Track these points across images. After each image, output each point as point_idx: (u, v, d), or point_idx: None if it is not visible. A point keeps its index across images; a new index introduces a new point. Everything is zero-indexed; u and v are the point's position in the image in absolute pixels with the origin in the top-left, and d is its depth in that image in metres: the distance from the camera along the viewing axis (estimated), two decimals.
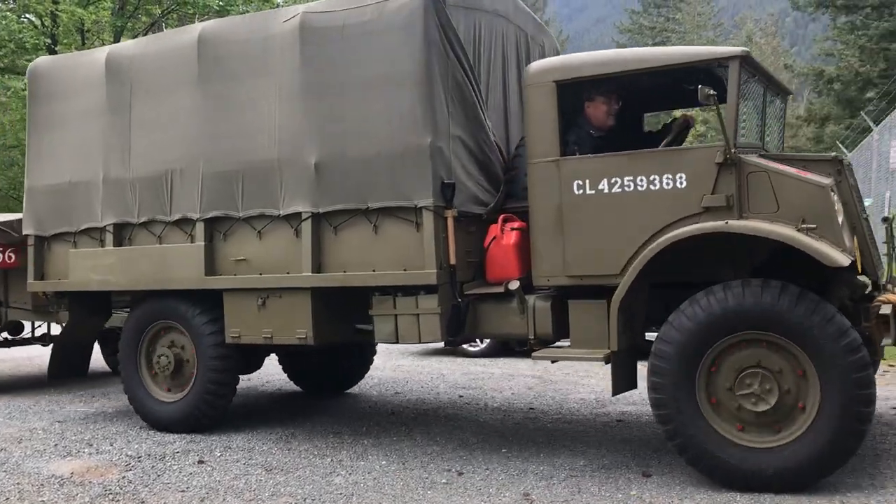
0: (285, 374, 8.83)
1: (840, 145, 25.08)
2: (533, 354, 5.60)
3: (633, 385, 5.59)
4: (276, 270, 6.19)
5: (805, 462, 4.61)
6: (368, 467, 5.62)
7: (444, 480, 5.26)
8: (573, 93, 5.59)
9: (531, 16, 7.25)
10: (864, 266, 5.03)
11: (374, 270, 5.81)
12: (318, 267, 6.01)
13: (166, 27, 25.78)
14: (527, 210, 5.65)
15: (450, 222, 5.56)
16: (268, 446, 6.29)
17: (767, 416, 4.73)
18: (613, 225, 5.24)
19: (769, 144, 5.83)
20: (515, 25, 6.78)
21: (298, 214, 6.07)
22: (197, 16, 25.15)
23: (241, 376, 9.41)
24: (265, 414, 7.63)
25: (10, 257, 8.70)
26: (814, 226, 4.71)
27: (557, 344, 5.81)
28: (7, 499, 5.16)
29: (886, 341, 5.03)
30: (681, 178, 5.08)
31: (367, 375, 8.75)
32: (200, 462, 5.88)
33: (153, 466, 5.80)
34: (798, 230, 4.72)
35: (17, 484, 5.47)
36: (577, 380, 9.00)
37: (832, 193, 4.82)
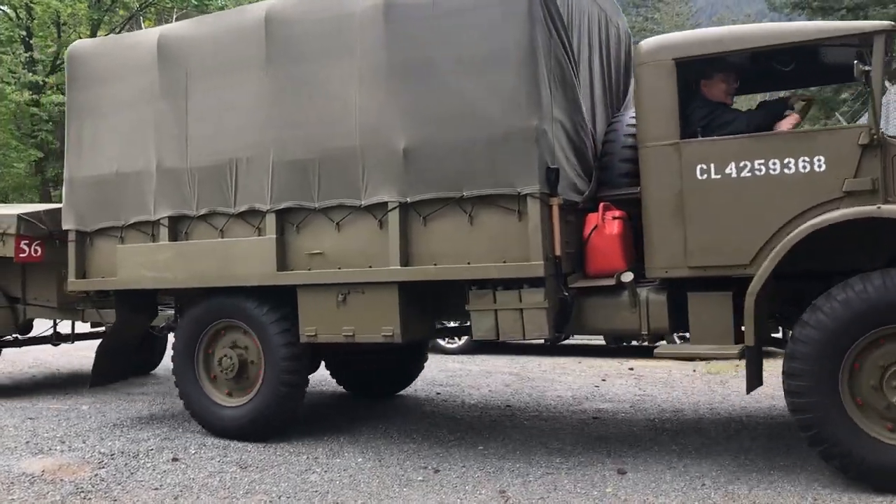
0: (333, 378, 8.33)
1: None
2: (656, 352, 5.34)
3: (761, 382, 5.31)
4: (357, 264, 5.77)
5: None
6: (344, 465, 5.59)
7: (420, 478, 5.24)
8: (691, 72, 5.31)
9: None
10: None
11: (468, 263, 5.43)
12: (405, 260, 5.62)
13: (144, 22, 25.59)
14: (623, 198, 5.46)
15: (555, 210, 5.21)
16: (243, 443, 6.23)
17: None
18: (742, 212, 4.92)
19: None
20: (598, 5, 6.47)
21: (383, 204, 5.66)
22: (175, 10, 24.97)
23: None
24: None
25: (36, 251, 8.04)
26: None
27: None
28: None
29: None
30: (819, 160, 4.78)
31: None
32: (175, 459, 5.83)
33: (126, 464, 5.74)
34: None
35: None
36: (554, 377, 9.02)
37: None
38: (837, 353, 4.57)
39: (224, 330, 6.47)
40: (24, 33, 23.10)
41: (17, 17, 23.85)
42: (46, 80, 23.52)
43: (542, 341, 6.93)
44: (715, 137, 5.14)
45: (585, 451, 5.71)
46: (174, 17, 25.07)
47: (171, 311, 7.39)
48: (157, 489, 5.16)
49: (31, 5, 22.72)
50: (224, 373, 6.41)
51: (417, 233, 5.60)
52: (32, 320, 8.82)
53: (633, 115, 5.98)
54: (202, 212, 6.39)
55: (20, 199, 24.46)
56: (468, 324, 5.69)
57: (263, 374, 6.21)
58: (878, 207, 4.59)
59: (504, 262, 5.30)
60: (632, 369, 9.53)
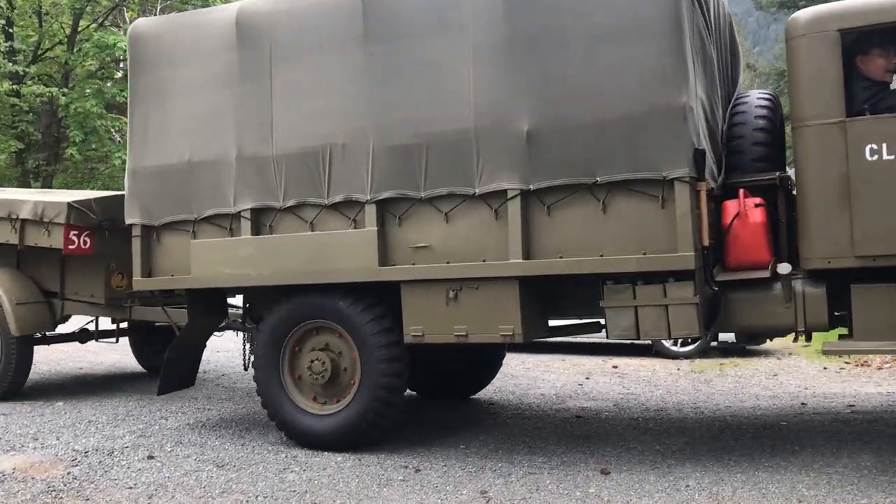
0: None
1: None
2: (824, 349, 4.99)
3: None
4: (469, 258, 5.32)
5: None
6: (323, 464, 5.50)
7: (400, 477, 5.16)
8: (852, 45, 4.95)
9: None
10: None
11: (601, 255, 4.98)
12: (527, 252, 5.17)
13: (127, 12, 25.31)
14: (756, 185, 5.17)
15: (703, 196, 4.81)
16: (220, 441, 6.13)
17: None
18: None
19: None
20: None
21: (501, 192, 5.20)
22: (159, 1, 24.71)
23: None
24: (219, 407, 7.46)
25: (85, 242, 7.37)
26: None
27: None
28: None
29: None
30: None
31: None
32: (150, 457, 5.71)
33: (101, 462, 5.62)
34: None
35: None
36: (537, 375, 8.96)
37: None
38: None
39: (313, 331, 5.93)
40: (3, 22, 22.79)
41: None
42: (27, 70, 23.22)
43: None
44: (886, 115, 4.75)
45: (569, 451, 5.64)
46: (158, 8, 24.83)
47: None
48: (131, 488, 5.05)
49: None
50: (314, 378, 5.85)
51: (540, 223, 5.16)
52: (68, 317, 8.22)
53: (762, 95, 5.74)
54: (289, 203, 5.87)
55: None
56: (579, 321, 5.36)
57: (360, 379, 5.69)
58: None
59: (643, 253, 4.87)
60: (615, 367, 9.49)
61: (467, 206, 5.35)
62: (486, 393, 7.87)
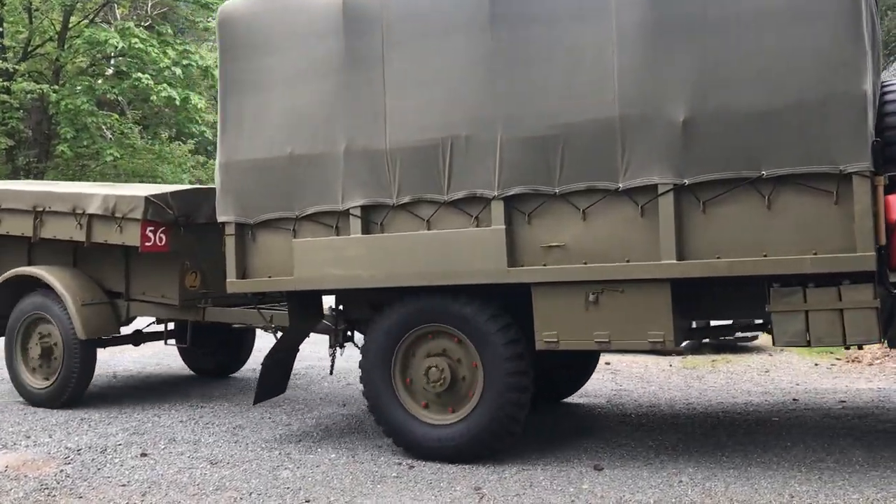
0: None
1: None
2: None
3: None
4: (609, 258, 4.94)
5: None
6: (317, 461, 5.50)
7: (394, 474, 5.16)
8: None
9: None
10: None
11: (765, 255, 4.61)
12: (680, 253, 4.80)
13: (118, 9, 25.19)
14: None
15: (880, 191, 4.44)
16: (214, 439, 6.13)
17: None
18: None
19: None
20: None
21: (651, 187, 4.82)
22: None
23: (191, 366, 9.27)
24: (213, 405, 7.45)
25: (161, 239, 6.95)
26: None
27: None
28: None
29: None
30: None
31: (314, 366, 8.57)
32: (143, 455, 5.70)
33: (93, 459, 5.61)
34: None
35: None
36: None
37: None
38: None
39: (430, 335, 5.57)
40: None
41: None
42: (17, 67, 23.10)
43: None
44: None
45: (562, 447, 5.66)
46: (149, 5, 24.72)
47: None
48: (124, 485, 5.04)
49: None
50: (431, 385, 5.50)
51: (694, 220, 4.78)
52: (133, 318, 7.66)
53: None
54: (404, 200, 5.50)
55: None
56: (716, 323, 5.10)
57: (481, 389, 5.33)
58: None
59: (814, 253, 4.51)
60: (608, 363, 9.51)
61: (608, 202, 4.97)
62: None
